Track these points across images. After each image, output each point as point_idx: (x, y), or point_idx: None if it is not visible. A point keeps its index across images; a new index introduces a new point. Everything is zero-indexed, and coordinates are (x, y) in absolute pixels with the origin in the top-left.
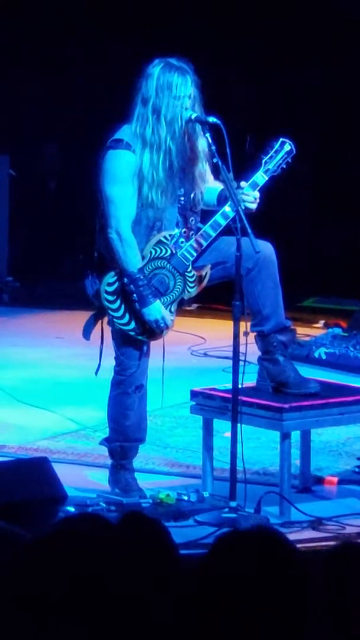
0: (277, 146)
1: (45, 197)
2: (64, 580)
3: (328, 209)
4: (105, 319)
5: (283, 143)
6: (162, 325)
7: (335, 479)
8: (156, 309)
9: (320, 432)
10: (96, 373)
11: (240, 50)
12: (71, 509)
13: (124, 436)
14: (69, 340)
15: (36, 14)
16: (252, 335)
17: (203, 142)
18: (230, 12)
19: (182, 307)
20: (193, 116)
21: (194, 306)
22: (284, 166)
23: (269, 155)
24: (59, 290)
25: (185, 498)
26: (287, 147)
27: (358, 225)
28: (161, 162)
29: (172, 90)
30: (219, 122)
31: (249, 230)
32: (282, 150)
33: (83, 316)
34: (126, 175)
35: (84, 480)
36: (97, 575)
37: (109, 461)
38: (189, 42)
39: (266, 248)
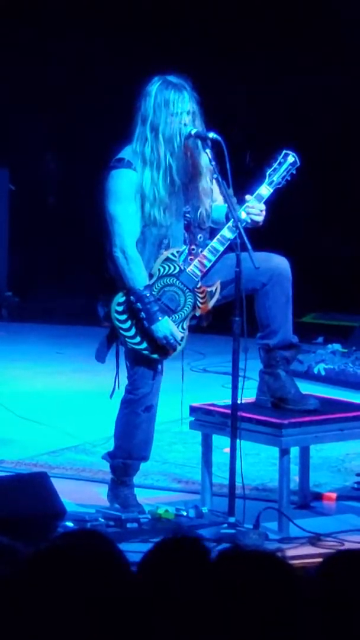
0: (280, 158)
1: (45, 211)
2: (62, 596)
3: (328, 224)
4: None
5: (286, 155)
6: (172, 341)
7: (334, 495)
8: (164, 326)
9: (319, 448)
10: (111, 396)
11: (240, 65)
12: (70, 524)
13: (128, 454)
14: (68, 356)
15: (35, 26)
16: (251, 351)
17: (205, 158)
18: (230, 26)
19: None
20: (193, 132)
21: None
22: (289, 178)
23: (273, 168)
24: (58, 305)
25: (184, 514)
26: (290, 159)
27: (359, 240)
28: (162, 180)
29: (170, 107)
30: (219, 137)
31: (249, 246)
32: (285, 162)
33: (83, 331)
34: (128, 192)
35: (83, 495)
36: (95, 591)
37: (108, 476)
38: (189, 58)
39: (282, 263)
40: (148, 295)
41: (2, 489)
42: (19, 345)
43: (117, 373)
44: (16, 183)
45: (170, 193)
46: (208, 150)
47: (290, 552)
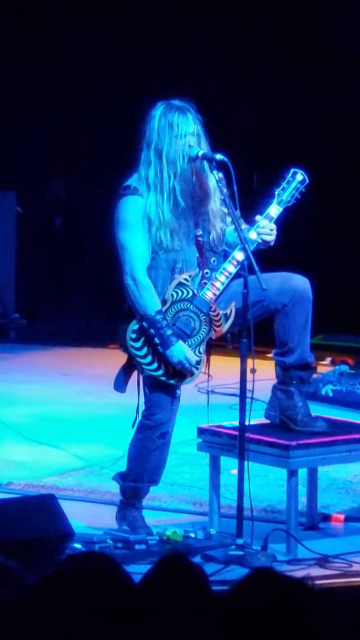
0: (288, 177)
1: (52, 234)
2: (68, 619)
3: (335, 245)
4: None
5: (295, 173)
6: (187, 365)
7: (342, 517)
8: (179, 350)
9: (327, 469)
10: (133, 425)
11: (243, 71)
12: (78, 546)
13: (139, 477)
14: (75, 377)
15: (40, 48)
16: (259, 373)
17: (213, 180)
18: (232, 46)
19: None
20: (200, 153)
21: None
22: (298, 196)
23: (281, 187)
24: (65, 327)
25: (192, 535)
26: (299, 177)
27: None
28: (166, 202)
29: (174, 130)
30: (225, 159)
31: (256, 268)
32: (294, 180)
33: (89, 353)
34: (135, 220)
35: (91, 517)
36: (101, 614)
37: (116, 498)
38: (193, 80)
39: (303, 283)
40: (160, 320)
41: (10, 511)
42: (26, 367)
43: (139, 403)
44: (23, 206)
45: (177, 216)
46: (216, 172)
47: (298, 574)
